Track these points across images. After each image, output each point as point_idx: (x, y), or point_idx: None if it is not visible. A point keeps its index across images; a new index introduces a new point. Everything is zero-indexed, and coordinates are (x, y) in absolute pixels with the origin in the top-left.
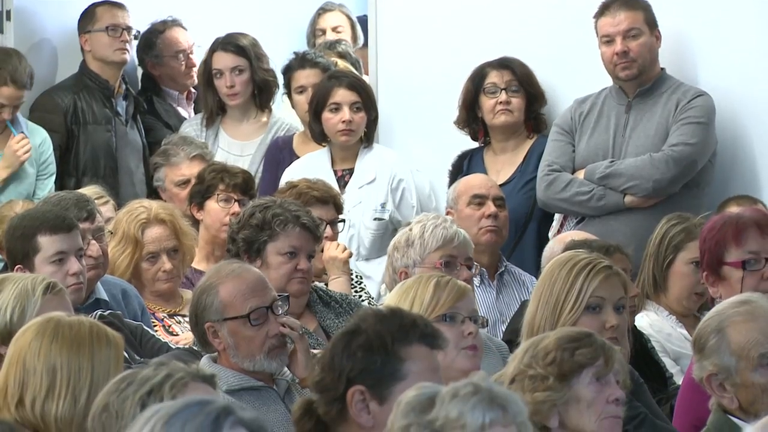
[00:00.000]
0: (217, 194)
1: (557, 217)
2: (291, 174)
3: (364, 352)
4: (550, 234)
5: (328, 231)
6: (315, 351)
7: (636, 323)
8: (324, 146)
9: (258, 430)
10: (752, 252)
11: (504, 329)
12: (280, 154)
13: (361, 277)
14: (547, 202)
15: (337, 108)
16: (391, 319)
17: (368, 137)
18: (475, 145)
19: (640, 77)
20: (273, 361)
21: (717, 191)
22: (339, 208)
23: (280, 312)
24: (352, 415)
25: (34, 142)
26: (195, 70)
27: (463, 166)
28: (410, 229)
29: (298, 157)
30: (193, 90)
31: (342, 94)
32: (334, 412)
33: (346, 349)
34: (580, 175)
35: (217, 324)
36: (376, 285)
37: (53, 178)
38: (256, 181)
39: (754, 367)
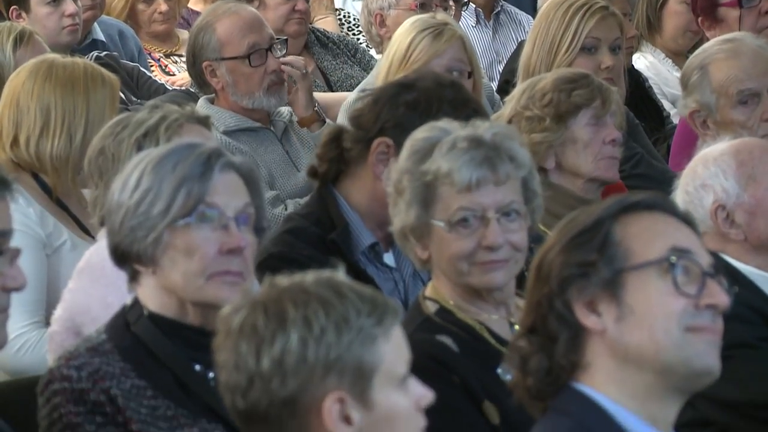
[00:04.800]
0: None
1: None
2: None
3: (407, 109)
4: None
5: None
6: (316, 94)
7: (633, 64)
8: None
9: (248, 173)
10: None
11: (501, 70)
12: None
13: (357, 20)
14: None
15: None
16: (449, 88)
17: None
18: None
19: None
20: (272, 97)
21: None
22: None
23: (279, 55)
24: (369, 162)
25: None
26: None
27: None
28: None
29: None
30: None
31: None
32: (356, 151)
33: (393, 100)
34: None
35: (215, 63)
36: None
37: None
38: None
39: (733, 105)
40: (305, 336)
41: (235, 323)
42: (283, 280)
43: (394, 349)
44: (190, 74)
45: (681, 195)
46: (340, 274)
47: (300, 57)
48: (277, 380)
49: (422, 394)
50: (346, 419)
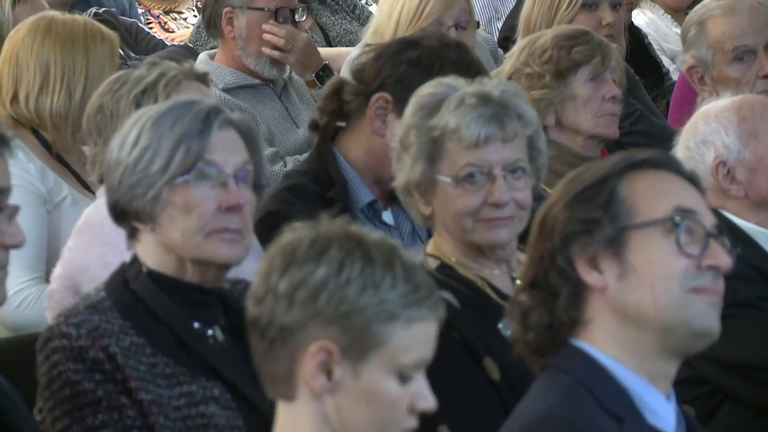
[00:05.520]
0: None
1: None
2: None
3: (409, 67)
4: None
5: None
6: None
7: (632, 21)
8: None
9: (247, 130)
10: None
11: (499, 26)
12: None
13: None
14: None
15: None
16: (453, 49)
17: None
18: None
19: None
20: (274, 67)
21: None
22: None
23: (299, 19)
24: (368, 116)
25: None
26: None
27: None
28: None
29: None
30: None
31: None
32: (355, 104)
33: (396, 56)
34: None
35: (239, 10)
36: None
37: None
38: None
39: (729, 61)
40: (329, 277)
41: (285, 239)
42: (356, 227)
43: (408, 339)
44: (203, 13)
45: (681, 151)
46: (411, 252)
47: (284, 28)
48: (284, 305)
49: (423, 396)
50: (328, 373)
